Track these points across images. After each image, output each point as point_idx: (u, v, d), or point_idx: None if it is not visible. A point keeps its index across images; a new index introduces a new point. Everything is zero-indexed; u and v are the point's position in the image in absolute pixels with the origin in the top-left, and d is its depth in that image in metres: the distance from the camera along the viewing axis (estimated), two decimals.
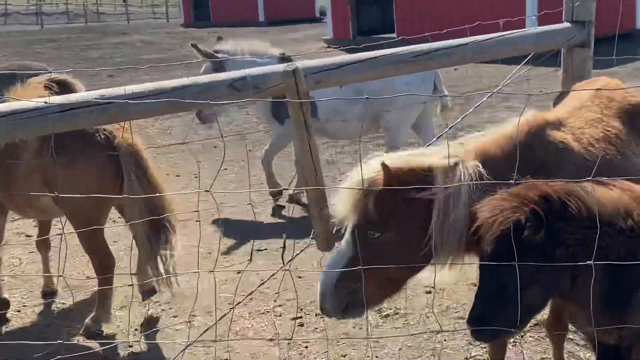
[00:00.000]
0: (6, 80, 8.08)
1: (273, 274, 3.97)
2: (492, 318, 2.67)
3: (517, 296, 2.62)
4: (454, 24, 17.20)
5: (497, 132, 3.18)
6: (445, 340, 4.50)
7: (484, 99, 5.04)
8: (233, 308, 4.28)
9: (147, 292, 4.95)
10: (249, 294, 4.01)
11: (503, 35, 3.99)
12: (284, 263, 3.54)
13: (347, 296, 3.04)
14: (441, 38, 3.94)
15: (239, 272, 5.48)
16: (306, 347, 4.60)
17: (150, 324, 5.03)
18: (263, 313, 5.12)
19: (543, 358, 4.24)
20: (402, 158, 3.01)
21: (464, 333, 4.46)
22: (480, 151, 3.07)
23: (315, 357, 4.47)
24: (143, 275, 5.01)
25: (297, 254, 3.89)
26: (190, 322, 5.05)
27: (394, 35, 19.50)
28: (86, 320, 4.97)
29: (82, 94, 2.93)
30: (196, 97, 3.02)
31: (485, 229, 2.67)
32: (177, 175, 8.94)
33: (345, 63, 3.50)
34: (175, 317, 5.16)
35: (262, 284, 3.65)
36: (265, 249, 6.34)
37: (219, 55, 7.06)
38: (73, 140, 4.43)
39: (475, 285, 2.88)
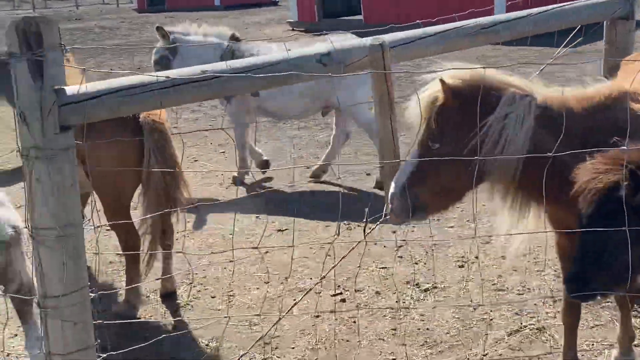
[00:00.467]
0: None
1: (353, 247, 3.99)
2: (589, 278, 2.77)
3: (616, 257, 2.72)
4: (419, 7, 17.28)
5: (577, 91, 3.27)
6: (491, 311, 4.59)
7: (541, 68, 5.08)
8: (322, 279, 4.31)
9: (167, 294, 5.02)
10: (331, 269, 4.02)
11: (555, 8, 4.08)
12: (365, 236, 3.58)
13: (413, 200, 3.19)
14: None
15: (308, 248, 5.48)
16: (354, 321, 4.64)
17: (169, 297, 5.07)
18: (301, 290, 5.14)
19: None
20: (472, 73, 3.11)
21: (517, 305, 4.58)
22: (557, 99, 3.16)
23: (365, 332, 4.51)
24: (166, 274, 5.02)
25: (374, 227, 3.93)
26: (229, 300, 5.05)
27: (360, 17, 19.52)
28: (118, 304, 4.93)
29: (183, 70, 2.89)
30: (286, 72, 3.02)
31: (584, 190, 2.77)
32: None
33: (418, 37, 3.53)
34: (213, 297, 5.14)
35: (344, 257, 3.67)
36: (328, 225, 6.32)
37: (172, 36, 7.26)
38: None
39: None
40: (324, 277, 4.49)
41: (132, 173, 4.54)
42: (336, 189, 7.30)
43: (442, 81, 3.05)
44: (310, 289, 4.68)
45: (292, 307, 4.66)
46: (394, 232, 6.00)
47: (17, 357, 4.38)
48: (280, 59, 3.07)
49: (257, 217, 6.60)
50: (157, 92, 2.73)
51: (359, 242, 3.69)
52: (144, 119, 4.56)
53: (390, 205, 3.29)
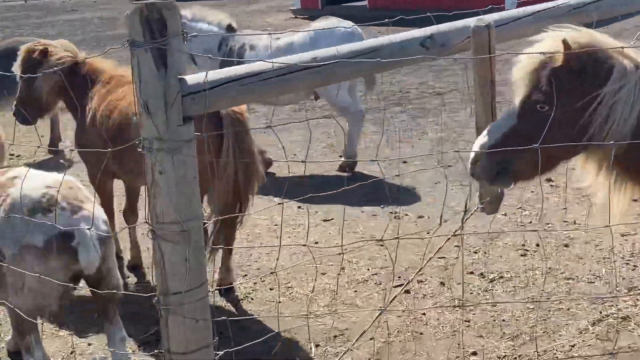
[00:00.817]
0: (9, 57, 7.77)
1: (449, 238, 3.90)
2: None
3: None
4: None
5: None
6: (560, 301, 4.53)
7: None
8: (418, 272, 4.19)
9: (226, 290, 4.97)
10: (427, 261, 3.94)
11: None
12: (462, 227, 3.49)
13: (499, 165, 2.94)
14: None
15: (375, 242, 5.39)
16: (423, 313, 4.57)
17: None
18: (361, 282, 5.06)
19: None
20: (588, 36, 2.96)
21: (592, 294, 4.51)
22: None
23: (436, 324, 4.44)
24: (224, 270, 4.95)
25: (467, 217, 3.85)
26: (288, 292, 4.97)
27: (364, 3, 19.38)
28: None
29: (293, 57, 2.79)
30: (392, 56, 2.93)
31: None
32: None
33: (514, 17, 3.44)
34: (271, 289, 5.05)
35: (440, 248, 3.57)
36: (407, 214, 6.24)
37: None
38: None
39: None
40: (420, 270, 4.35)
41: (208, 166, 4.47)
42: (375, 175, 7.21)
43: (565, 42, 2.79)
44: (409, 282, 4.56)
45: (394, 298, 4.58)
46: (446, 221, 5.92)
47: None
48: (385, 43, 2.97)
49: (299, 207, 6.50)
50: (274, 80, 2.63)
51: (455, 233, 3.60)
52: (224, 110, 4.50)
53: (473, 166, 3.00)
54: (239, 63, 7.54)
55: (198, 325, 2.55)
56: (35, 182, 3.44)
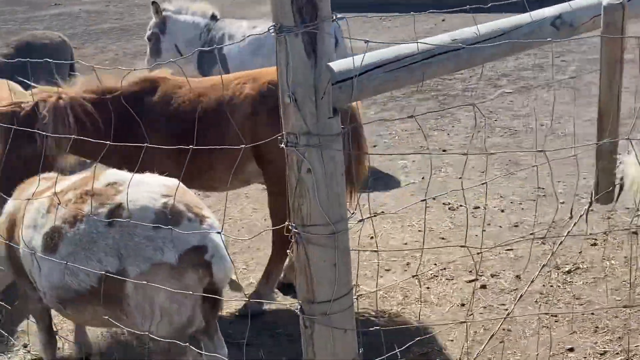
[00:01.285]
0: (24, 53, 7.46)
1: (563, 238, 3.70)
2: None
3: None
4: None
5: None
6: None
7: None
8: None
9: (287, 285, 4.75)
10: (542, 266, 3.74)
11: None
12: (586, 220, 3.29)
13: None
14: None
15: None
16: (505, 309, 4.38)
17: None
18: (431, 278, 4.85)
19: None
20: None
21: None
22: None
23: (522, 320, 4.25)
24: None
25: (581, 215, 3.66)
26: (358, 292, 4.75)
27: None
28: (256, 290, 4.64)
29: (434, 39, 2.57)
30: (526, 37, 2.73)
31: None
32: None
33: None
34: None
35: (560, 244, 3.38)
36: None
37: (164, 14, 7.47)
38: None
39: None
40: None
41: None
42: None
43: None
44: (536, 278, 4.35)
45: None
46: (502, 210, 5.73)
47: None
48: (523, 23, 2.79)
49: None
50: (416, 66, 2.41)
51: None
52: None
53: None
54: (219, 54, 7.35)
55: (346, 336, 2.34)
56: (147, 189, 3.09)
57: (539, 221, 5.46)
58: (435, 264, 5.02)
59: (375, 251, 4.76)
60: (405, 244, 5.34)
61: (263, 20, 7.50)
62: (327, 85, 2.17)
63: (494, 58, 2.71)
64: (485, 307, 4.42)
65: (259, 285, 4.63)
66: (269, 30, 2.16)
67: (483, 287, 4.65)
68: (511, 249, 5.09)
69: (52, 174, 3.58)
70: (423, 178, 6.62)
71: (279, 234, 4.41)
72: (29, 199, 3.27)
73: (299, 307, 2.34)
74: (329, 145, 2.21)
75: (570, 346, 3.94)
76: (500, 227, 5.48)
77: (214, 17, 7.50)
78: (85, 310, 3.15)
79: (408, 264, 5.05)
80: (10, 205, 3.51)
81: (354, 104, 4.50)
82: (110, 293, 3.00)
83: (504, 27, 2.73)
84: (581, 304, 4.32)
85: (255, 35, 6.56)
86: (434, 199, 5.94)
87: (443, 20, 14.77)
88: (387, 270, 5.01)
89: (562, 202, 5.76)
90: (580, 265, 4.77)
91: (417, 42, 2.40)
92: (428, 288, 4.73)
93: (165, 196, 3.06)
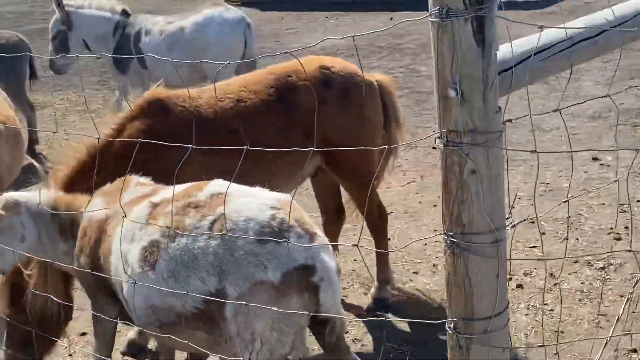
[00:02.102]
0: None
1: None
2: None
3: None
4: None
5: None
6: None
7: None
8: None
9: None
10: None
11: None
12: None
13: None
14: None
15: None
16: (551, 309, 4.24)
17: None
18: None
19: None
20: None
21: None
22: None
23: (571, 320, 4.12)
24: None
25: None
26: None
27: None
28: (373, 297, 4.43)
29: (575, 22, 2.38)
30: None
31: None
32: None
33: None
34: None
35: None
36: None
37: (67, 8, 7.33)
38: (349, 84, 4.13)
39: None
40: None
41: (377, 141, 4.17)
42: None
43: None
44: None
45: None
46: (513, 207, 5.61)
47: None
48: None
49: None
50: (567, 52, 2.22)
51: None
52: (380, 79, 4.12)
53: None
54: (136, 49, 7.23)
55: (504, 355, 2.12)
56: (255, 201, 2.78)
57: (553, 216, 5.37)
58: None
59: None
60: (425, 244, 5.14)
61: (179, 16, 7.55)
62: (495, 77, 1.94)
63: (621, 44, 2.52)
64: (528, 307, 4.27)
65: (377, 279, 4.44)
66: (431, 14, 1.91)
67: (519, 286, 4.50)
68: (535, 246, 4.97)
69: (146, 179, 3.29)
70: (422, 177, 6.44)
71: (377, 219, 4.35)
72: (123, 212, 2.88)
73: (451, 325, 2.10)
74: (495, 143, 1.98)
75: (632, 347, 3.82)
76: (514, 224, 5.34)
77: (125, 13, 7.39)
78: (183, 335, 2.79)
79: (435, 265, 4.86)
80: (100, 210, 3.15)
81: (387, 80, 4.33)
82: (211, 316, 2.68)
83: (629, 12, 2.55)
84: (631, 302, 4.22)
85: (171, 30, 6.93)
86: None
87: (391, 19, 14.69)
88: (415, 273, 4.81)
89: (571, 197, 5.69)
90: (613, 262, 4.68)
91: (564, 27, 2.19)
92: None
93: (274, 208, 2.75)
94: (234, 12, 7.51)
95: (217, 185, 2.93)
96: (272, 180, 4.07)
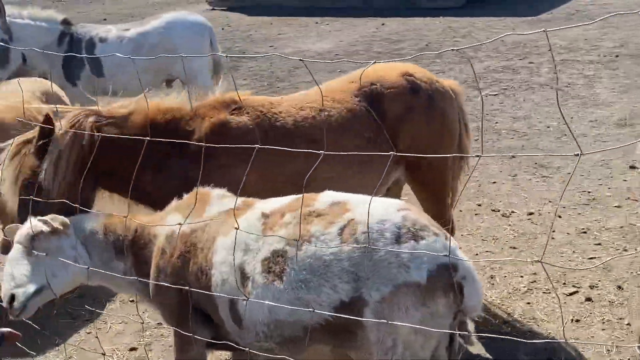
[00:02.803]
0: None
1: None
2: None
3: None
4: None
5: None
6: None
7: None
8: None
9: None
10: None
11: None
12: None
13: None
14: None
15: None
16: (627, 323, 4.09)
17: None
18: (526, 292, 4.51)
19: None
20: None
21: None
22: None
23: None
24: None
25: None
26: None
27: None
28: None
29: None
30: None
31: None
32: None
33: None
34: None
35: None
36: None
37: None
38: (433, 91, 4.01)
39: None
40: None
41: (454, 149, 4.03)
42: None
43: None
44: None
45: None
46: (559, 217, 5.47)
47: None
48: None
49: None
50: None
51: None
52: (452, 86, 3.96)
53: None
54: (90, 58, 6.97)
55: None
56: (379, 205, 2.62)
57: (604, 226, 5.25)
58: (522, 276, 4.68)
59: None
60: (477, 254, 4.97)
61: (133, 23, 7.41)
62: None
63: None
64: (603, 322, 4.12)
65: None
66: None
67: (588, 299, 4.35)
68: (594, 257, 4.82)
69: (224, 191, 3.15)
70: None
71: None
72: (237, 224, 2.72)
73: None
74: None
75: None
76: (568, 233, 5.21)
77: (67, 22, 7.13)
78: (306, 350, 2.61)
79: (492, 277, 4.69)
80: (175, 226, 2.98)
81: (458, 86, 4.19)
82: (344, 326, 2.50)
83: None
84: None
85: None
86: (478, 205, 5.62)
87: (383, 25, 14.58)
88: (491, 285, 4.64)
89: (617, 206, 5.57)
90: None
91: None
92: (529, 304, 4.37)
93: (402, 210, 2.65)
94: (196, 15, 7.56)
95: (330, 195, 2.81)
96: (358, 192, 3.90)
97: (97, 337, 4.36)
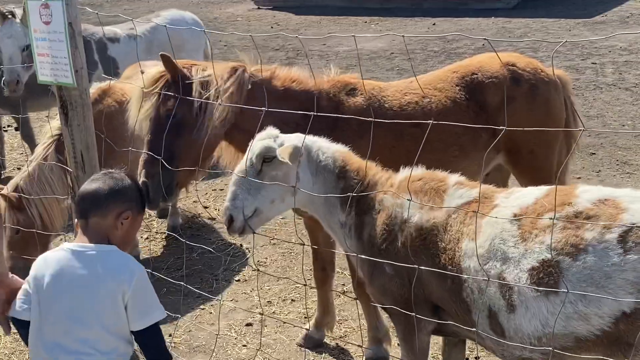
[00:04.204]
0: None
1: None
2: None
3: None
4: None
5: None
6: None
7: None
8: None
9: None
10: None
11: None
12: None
13: None
14: None
15: None
16: None
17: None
18: None
19: None
20: None
21: None
22: None
23: None
24: None
25: None
26: None
27: None
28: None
29: None
30: None
31: None
32: None
33: None
34: None
35: None
36: None
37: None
38: (536, 80, 4.07)
39: None
40: None
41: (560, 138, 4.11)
42: None
43: None
44: None
45: None
46: None
47: None
48: None
49: None
50: None
51: None
52: (560, 75, 4.06)
53: None
54: (102, 58, 6.76)
55: None
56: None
57: None
58: None
59: None
60: None
61: (130, 23, 7.23)
62: None
63: None
64: None
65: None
66: None
67: None
68: None
69: (462, 178, 2.92)
70: None
71: None
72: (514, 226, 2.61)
73: None
74: None
75: None
76: None
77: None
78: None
79: None
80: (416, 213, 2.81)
81: (565, 75, 4.24)
82: (619, 337, 2.43)
83: None
84: None
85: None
86: None
87: (434, 24, 14.64)
88: None
89: None
90: None
91: None
92: None
93: None
94: (190, 13, 7.86)
95: (589, 190, 2.60)
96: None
97: (211, 312, 4.48)
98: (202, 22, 7.79)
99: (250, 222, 2.92)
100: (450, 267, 2.69)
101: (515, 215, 2.62)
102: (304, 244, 3.39)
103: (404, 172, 2.99)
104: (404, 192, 2.85)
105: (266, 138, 2.99)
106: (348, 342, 4.15)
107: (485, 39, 2.58)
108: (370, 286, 2.99)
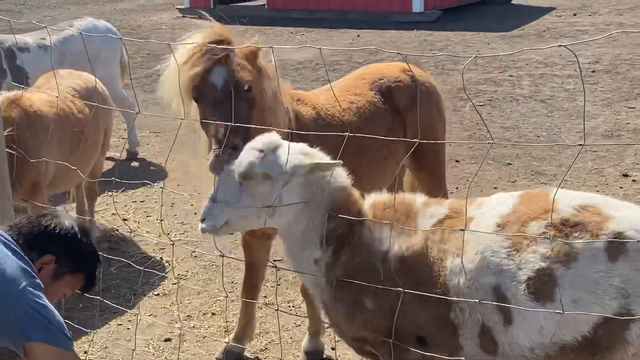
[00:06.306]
0: None
1: None
2: None
3: None
4: None
5: None
6: None
7: None
8: None
9: None
10: None
11: None
12: None
13: None
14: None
15: None
16: None
17: None
18: None
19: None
20: None
21: None
22: None
23: None
24: None
25: None
26: None
27: (262, 3, 18.68)
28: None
29: None
30: None
31: None
32: None
33: None
34: None
35: None
36: None
37: None
38: (427, 84, 4.49)
39: None
40: None
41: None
42: None
43: None
44: None
45: None
46: None
47: None
48: None
49: None
50: None
51: None
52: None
53: None
54: (11, 67, 6.79)
55: None
56: (635, 213, 2.53)
57: None
58: None
59: None
60: None
61: (40, 32, 7.11)
62: None
63: None
64: None
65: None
66: None
67: None
68: None
69: (423, 197, 2.88)
70: (457, 188, 6.45)
71: None
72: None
73: None
74: None
75: None
76: None
77: None
78: None
79: None
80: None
81: (430, 76, 4.55)
82: (600, 343, 2.48)
83: None
84: None
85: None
86: None
87: (358, 36, 14.80)
88: None
89: None
90: None
91: None
92: None
93: None
94: (102, 21, 7.74)
95: (569, 195, 2.63)
96: (381, 179, 4.10)
97: (128, 328, 4.39)
98: (121, 31, 7.66)
99: (220, 230, 2.77)
100: (435, 289, 2.63)
101: (498, 225, 2.61)
102: (223, 256, 3.35)
103: (370, 200, 2.90)
104: (378, 223, 2.77)
105: (257, 150, 2.74)
106: (269, 356, 4.14)
107: (399, 52, 2.64)
108: (349, 325, 2.84)
